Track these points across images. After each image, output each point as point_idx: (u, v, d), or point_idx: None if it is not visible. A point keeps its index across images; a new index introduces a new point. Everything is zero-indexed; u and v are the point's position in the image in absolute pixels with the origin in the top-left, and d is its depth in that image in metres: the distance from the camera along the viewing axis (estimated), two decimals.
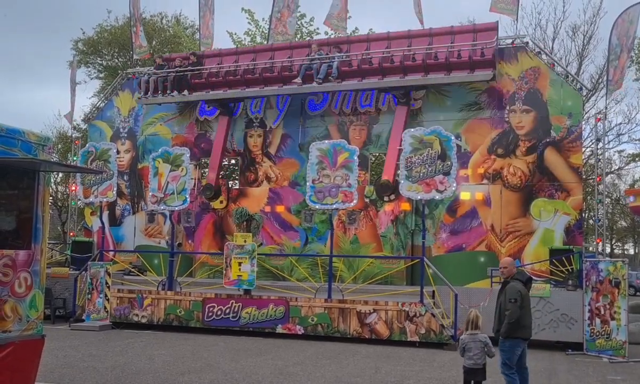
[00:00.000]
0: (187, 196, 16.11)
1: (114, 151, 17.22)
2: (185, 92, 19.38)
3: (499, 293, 7.88)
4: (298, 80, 18.02)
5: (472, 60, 16.75)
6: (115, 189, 17.11)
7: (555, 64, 17.81)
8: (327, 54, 18.11)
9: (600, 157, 17.56)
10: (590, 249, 24.18)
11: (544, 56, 17.72)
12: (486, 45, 16.62)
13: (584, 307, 13.24)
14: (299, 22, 29.90)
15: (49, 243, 17.49)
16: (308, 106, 19.39)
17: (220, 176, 20.06)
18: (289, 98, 19.45)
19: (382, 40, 18.25)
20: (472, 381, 7.65)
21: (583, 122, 19.91)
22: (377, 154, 20.11)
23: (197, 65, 19.56)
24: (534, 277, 15.37)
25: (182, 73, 19.39)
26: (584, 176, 23.09)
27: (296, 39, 29.88)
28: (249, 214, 18.31)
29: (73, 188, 21.19)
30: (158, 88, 19.65)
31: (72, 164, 20.04)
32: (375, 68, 17.52)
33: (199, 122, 20.45)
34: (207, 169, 19.96)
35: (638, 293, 33.35)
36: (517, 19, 18.93)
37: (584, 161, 23.47)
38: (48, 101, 64.69)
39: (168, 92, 19.55)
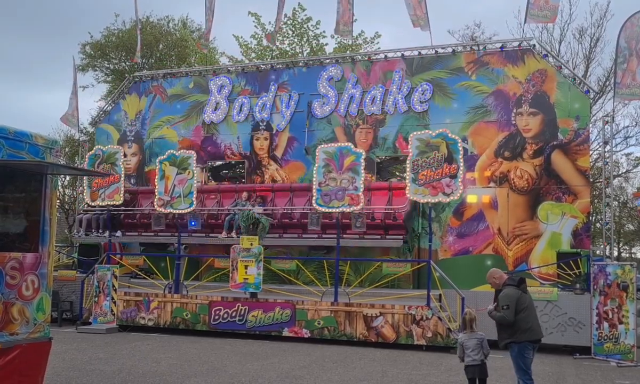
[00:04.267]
0: (194, 199, 16.15)
1: (121, 154, 17.30)
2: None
3: (494, 303, 7.65)
4: None
5: None
6: (122, 192, 17.17)
7: (562, 66, 17.72)
8: None
9: (608, 160, 17.43)
10: (598, 252, 24.05)
11: (550, 59, 17.61)
12: None
13: (592, 311, 13.19)
14: (305, 26, 29.92)
15: (56, 246, 17.55)
16: (312, 110, 19.34)
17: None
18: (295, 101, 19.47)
19: None
20: (477, 380, 7.66)
21: (590, 125, 19.81)
22: (383, 157, 20.02)
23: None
24: (541, 281, 15.50)
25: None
26: (592, 179, 22.97)
27: (302, 42, 30.06)
28: (255, 217, 18.28)
29: (80, 191, 21.21)
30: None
31: (79, 167, 20.07)
32: None
33: (205, 125, 20.45)
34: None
35: None
36: (524, 22, 18.92)
37: (592, 163, 23.35)
38: (56, 104, 65.00)
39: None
